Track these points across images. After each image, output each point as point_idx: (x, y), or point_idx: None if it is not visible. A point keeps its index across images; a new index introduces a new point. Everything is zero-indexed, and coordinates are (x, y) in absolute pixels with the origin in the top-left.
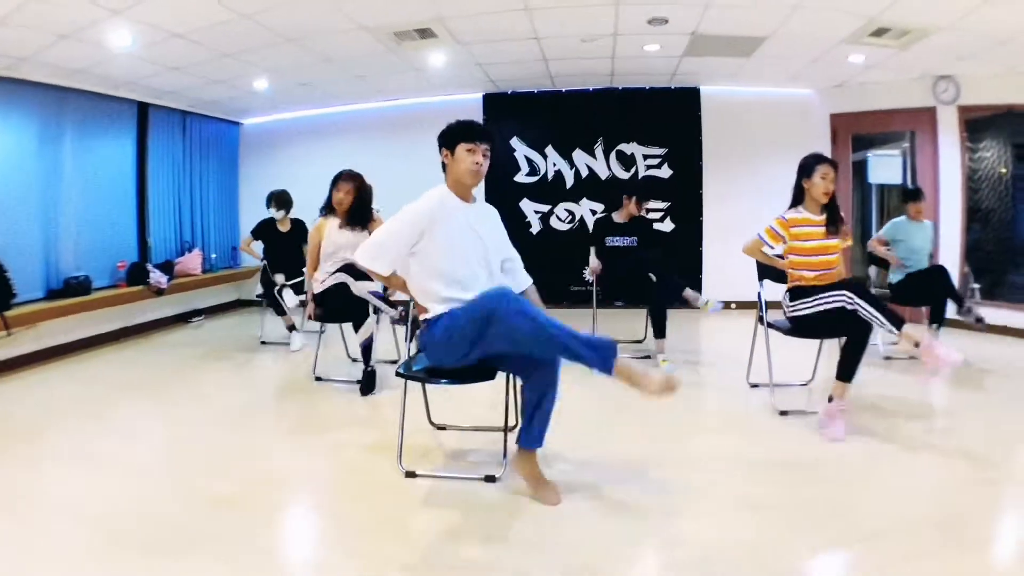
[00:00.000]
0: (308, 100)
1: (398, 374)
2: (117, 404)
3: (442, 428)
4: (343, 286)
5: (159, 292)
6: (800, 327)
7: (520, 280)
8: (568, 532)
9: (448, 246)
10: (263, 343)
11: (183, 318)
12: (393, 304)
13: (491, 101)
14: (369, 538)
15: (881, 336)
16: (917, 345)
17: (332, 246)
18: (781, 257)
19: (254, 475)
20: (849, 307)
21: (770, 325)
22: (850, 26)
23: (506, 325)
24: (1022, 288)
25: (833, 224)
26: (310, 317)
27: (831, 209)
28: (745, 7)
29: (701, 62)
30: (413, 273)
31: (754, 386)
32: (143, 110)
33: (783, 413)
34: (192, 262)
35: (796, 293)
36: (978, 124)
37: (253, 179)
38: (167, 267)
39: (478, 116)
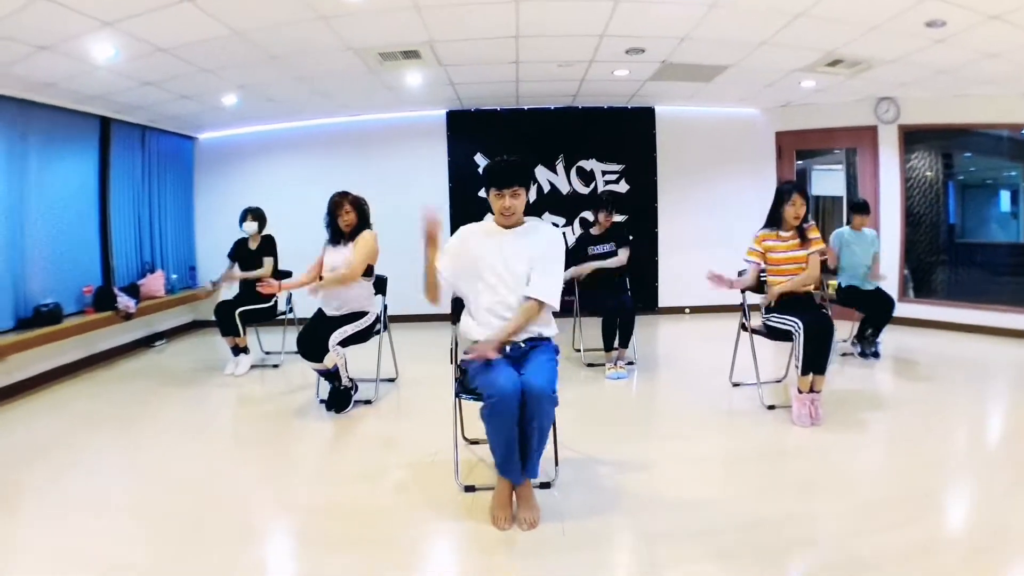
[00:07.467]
0: (271, 115)
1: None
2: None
3: (475, 443)
4: (322, 315)
5: (127, 317)
6: (772, 333)
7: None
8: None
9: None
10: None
11: (144, 342)
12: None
13: (455, 118)
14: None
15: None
16: (799, 391)
17: (330, 266)
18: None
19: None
20: (794, 333)
21: (752, 331)
22: (808, 59)
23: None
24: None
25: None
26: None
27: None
28: (716, 41)
29: (662, 85)
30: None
31: (736, 385)
32: (105, 125)
33: (770, 407)
34: (155, 284)
35: (771, 305)
36: (911, 136)
37: (208, 196)
38: (133, 290)
39: (442, 133)
